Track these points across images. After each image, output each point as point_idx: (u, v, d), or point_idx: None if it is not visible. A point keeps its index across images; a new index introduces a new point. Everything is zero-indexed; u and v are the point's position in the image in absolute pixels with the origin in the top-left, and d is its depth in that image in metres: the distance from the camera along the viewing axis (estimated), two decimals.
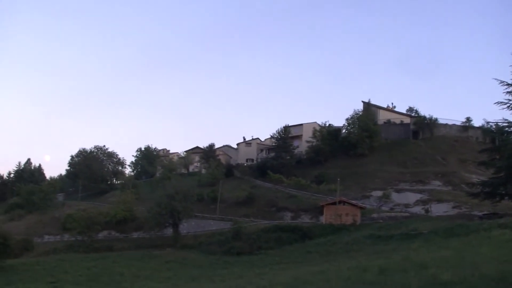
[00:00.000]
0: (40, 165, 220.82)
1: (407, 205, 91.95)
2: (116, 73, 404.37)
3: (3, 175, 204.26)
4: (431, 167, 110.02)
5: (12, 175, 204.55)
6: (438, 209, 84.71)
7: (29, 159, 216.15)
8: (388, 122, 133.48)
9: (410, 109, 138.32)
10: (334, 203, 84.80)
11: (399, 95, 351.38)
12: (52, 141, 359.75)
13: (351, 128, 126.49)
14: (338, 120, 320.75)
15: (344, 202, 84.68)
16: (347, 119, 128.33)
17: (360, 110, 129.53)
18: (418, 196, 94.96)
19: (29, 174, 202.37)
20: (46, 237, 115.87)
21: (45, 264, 74.22)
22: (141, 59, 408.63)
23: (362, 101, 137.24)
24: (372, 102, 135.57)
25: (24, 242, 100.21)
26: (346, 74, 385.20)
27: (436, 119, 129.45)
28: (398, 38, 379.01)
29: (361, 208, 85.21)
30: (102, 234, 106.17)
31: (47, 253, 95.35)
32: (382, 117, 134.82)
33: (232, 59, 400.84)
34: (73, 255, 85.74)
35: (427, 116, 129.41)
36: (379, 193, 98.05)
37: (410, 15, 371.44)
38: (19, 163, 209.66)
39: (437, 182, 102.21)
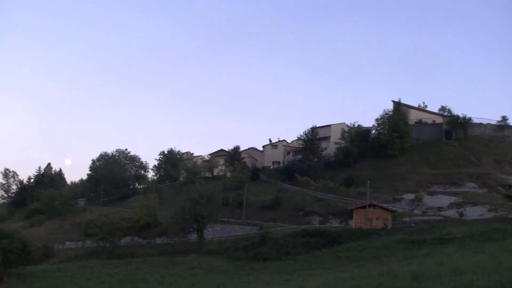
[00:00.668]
0: (60, 169, 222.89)
1: (440, 208, 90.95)
2: (138, 75, 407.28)
3: (23, 180, 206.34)
4: (465, 168, 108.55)
5: (32, 180, 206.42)
6: (473, 213, 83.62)
7: (49, 164, 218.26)
8: (420, 122, 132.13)
9: (443, 108, 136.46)
10: (364, 207, 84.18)
11: (431, 94, 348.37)
12: (73, 145, 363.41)
13: (381, 128, 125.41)
14: (368, 120, 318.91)
15: (374, 206, 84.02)
16: (376, 119, 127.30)
17: (390, 109, 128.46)
18: (451, 199, 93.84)
19: (49, 179, 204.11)
20: (67, 243, 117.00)
21: (67, 271, 74.78)
22: (165, 62, 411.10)
23: (392, 101, 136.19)
24: (403, 101, 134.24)
25: (45, 248, 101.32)
26: (375, 73, 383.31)
27: (470, 119, 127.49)
28: (428, 35, 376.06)
29: (392, 211, 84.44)
30: (124, 240, 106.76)
31: (69, 259, 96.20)
32: (413, 117, 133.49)
33: (258, 60, 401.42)
34: (95, 261, 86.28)
35: (461, 116, 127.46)
36: (410, 196, 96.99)
37: (446, 13, 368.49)
38: (39, 167, 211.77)
39: (472, 184, 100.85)
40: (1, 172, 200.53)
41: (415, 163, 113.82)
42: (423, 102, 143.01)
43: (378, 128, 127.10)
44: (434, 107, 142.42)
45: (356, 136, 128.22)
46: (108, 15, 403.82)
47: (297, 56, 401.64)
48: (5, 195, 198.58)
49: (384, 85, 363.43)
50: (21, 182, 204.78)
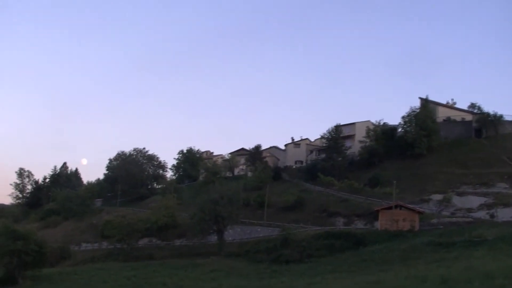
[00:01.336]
0: (76, 169, 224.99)
1: (470, 210, 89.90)
2: (156, 72, 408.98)
3: (38, 180, 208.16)
4: (496, 168, 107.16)
5: (47, 180, 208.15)
6: (505, 214, 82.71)
7: (65, 163, 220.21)
8: (448, 120, 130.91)
9: (472, 105, 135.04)
10: (390, 208, 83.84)
11: (460, 90, 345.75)
12: (89, 144, 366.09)
13: (408, 126, 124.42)
14: (394, 118, 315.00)
15: (400, 207, 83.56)
16: (403, 117, 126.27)
17: (417, 107, 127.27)
18: (482, 200, 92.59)
19: (65, 179, 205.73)
20: (84, 245, 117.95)
21: (83, 273, 75.42)
22: (184, 58, 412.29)
23: (420, 98, 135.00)
24: (430, 98, 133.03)
25: (61, 250, 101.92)
26: (402, 68, 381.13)
27: (501, 116, 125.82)
28: (455, 30, 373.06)
29: (419, 213, 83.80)
30: (142, 242, 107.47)
31: (85, 261, 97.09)
32: (442, 114, 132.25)
33: (280, 57, 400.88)
34: (112, 263, 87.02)
35: (491, 113, 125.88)
36: (439, 196, 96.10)
37: (478, 9, 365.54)
38: (55, 167, 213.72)
39: (503, 185, 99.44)
40: (16, 172, 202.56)
41: (444, 162, 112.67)
42: (452, 99, 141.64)
43: (405, 126, 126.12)
44: (463, 104, 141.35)
45: (382, 134, 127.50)
46: (127, 10, 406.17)
47: (322, 51, 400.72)
48: (20, 196, 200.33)
49: (411, 82, 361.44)
50: (36, 182, 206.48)
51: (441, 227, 78.57)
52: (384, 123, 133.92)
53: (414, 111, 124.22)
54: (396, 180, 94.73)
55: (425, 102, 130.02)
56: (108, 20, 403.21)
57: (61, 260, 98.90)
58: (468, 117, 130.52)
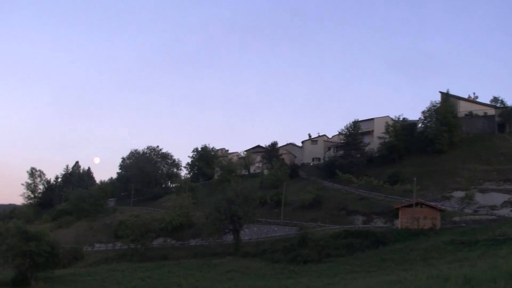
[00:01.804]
0: (89, 168, 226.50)
1: (493, 207, 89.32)
2: (169, 70, 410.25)
3: (50, 179, 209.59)
4: None
5: (59, 179, 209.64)
6: None
7: (77, 162, 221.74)
8: (470, 115, 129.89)
9: (495, 99, 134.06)
10: (410, 206, 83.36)
11: (482, 84, 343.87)
12: (102, 142, 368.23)
13: (428, 121, 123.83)
14: (413, 113, 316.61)
15: (421, 204, 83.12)
16: (423, 112, 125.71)
17: (437, 101, 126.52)
18: (506, 197, 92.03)
19: (77, 178, 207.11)
20: (97, 245, 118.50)
21: (96, 274, 75.94)
22: (197, 55, 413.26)
23: (440, 92, 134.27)
24: (451, 92, 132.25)
25: (74, 251, 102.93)
26: (421, 62, 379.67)
27: None
28: (477, 23, 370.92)
29: (441, 210, 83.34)
30: (156, 242, 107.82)
31: (98, 262, 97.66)
32: (463, 109, 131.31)
33: (296, 50, 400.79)
34: (126, 264, 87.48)
35: None
36: (461, 193, 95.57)
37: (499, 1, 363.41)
38: (67, 166, 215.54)
39: None
40: (27, 172, 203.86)
41: (465, 158, 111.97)
42: (474, 93, 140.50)
43: (425, 121, 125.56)
44: (485, 98, 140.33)
45: (401, 130, 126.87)
46: (140, 7, 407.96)
47: (338, 45, 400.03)
48: (32, 196, 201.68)
49: (431, 76, 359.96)
50: (48, 181, 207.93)
51: (464, 225, 78.08)
52: (404, 118, 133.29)
53: (434, 106, 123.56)
54: (416, 177, 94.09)
55: (446, 96, 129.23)
56: (120, 17, 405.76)
57: (74, 261, 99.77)
58: (491, 112, 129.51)
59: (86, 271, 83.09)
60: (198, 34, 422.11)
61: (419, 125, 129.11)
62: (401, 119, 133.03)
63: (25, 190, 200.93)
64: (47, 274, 74.89)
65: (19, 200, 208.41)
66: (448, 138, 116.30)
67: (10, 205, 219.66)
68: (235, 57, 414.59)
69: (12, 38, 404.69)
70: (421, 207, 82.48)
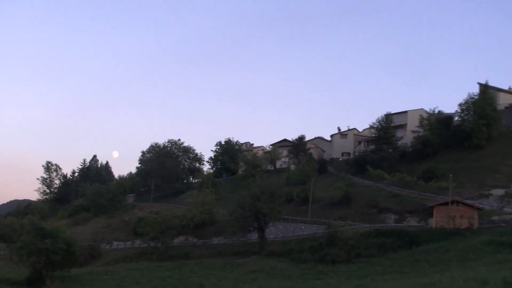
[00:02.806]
0: (107, 162, 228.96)
1: None
2: (192, 61, 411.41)
3: (66, 174, 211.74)
4: None
5: (76, 174, 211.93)
6: None
7: (95, 156, 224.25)
8: (510, 107, 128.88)
9: None
10: (446, 204, 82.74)
11: None
12: (121, 135, 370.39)
13: (465, 114, 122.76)
14: (450, 106, 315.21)
15: (458, 202, 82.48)
16: (460, 105, 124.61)
17: (475, 93, 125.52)
18: None
19: (95, 173, 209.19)
20: (115, 243, 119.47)
21: (114, 273, 76.68)
22: (221, 47, 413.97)
23: (478, 83, 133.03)
24: (491, 83, 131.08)
25: (91, 249, 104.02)
26: (458, 51, 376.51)
27: None
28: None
29: (478, 209, 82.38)
30: (177, 240, 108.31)
31: (116, 261, 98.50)
32: (503, 101, 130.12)
33: (324, 43, 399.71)
34: (146, 263, 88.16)
35: None
36: (500, 191, 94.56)
37: None
38: (84, 160, 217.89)
39: None
40: (43, 166, 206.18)
41: (505, 153, 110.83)
42: None
43: (462, 115, 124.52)
44: None
45: (437, 123, 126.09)
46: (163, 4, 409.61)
47: (372, 33, 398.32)
48: (48, 191, 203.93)
49: (469, 66, 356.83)
50: (64, 176, 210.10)
51: (503, 225, 77.30)
52: (439, 111, 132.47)
53: (472, 98, 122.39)
54: (452, 173, 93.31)
55: (484, 88, 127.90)
56: (143, 7, 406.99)
57: (91, 260, 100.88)
58: None
59: (103, 270, 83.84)
60: (220, 25, 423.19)
61: (456, 118, 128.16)
62: (436, 112, 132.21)
63: (40, 185, 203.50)
64: (63, 273, 75.67)
65: (34, 196, 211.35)
66: (486, 132, 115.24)
67: (25, 200, 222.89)
68: (262, 49, 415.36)
69: (32, 29, 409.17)
70: (457, 205, 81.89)
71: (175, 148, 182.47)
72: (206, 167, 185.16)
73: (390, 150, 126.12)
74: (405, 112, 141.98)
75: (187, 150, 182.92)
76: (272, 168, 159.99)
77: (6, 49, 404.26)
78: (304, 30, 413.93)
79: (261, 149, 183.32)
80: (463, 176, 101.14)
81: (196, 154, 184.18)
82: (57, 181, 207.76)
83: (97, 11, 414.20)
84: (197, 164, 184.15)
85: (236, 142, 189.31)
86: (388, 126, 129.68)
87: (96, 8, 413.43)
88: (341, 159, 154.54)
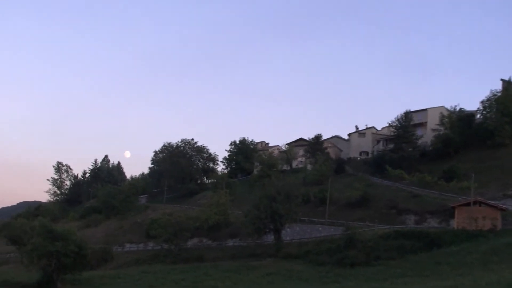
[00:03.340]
0: (119, 162, 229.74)
1: None
2: (206, 60, 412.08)
3: (77, 174, 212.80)
4: None
5: (87, 175, 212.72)
6: None
7: (106, 156, 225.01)
8: None
9: None
10: (468, 204, 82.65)
11: None
12: (133, 135, 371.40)
13: (488, 112, 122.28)
14: (471, 103, 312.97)
15: (480, 203, 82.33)
16: (482, 102, 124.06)
17: (498, 90, 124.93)
18: None
19: (106, 173, 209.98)
20: (128, 245, 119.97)
21: (127, 277, 77.00)
22: (234, 46, 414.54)
23: (501, 79, 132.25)
24: None
25: (103, 251, 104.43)
26: (480, 46, 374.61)
27: None
28: None
29: (502, 210, 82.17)
30: (191, 242, 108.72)
31: (129, 264, 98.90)
32: None
33: (346, 35, 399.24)
34: (159, 266, 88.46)
35: None
36: None
37: None
38: (95, 160, 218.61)
39: None
40: (53, 166, 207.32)
41: None
42: None
43: (484, 112, 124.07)
44: None
45: (458, 121, 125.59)
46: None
47: (392, 29, 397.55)
48: (58, 192, 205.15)
49: (491, 61, 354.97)
50: (75, 177, 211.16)
51: None
52: (461, 108, 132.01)
53: (495, 95, 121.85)
54: (474, 173, 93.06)
55: (507, 84, 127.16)
56: (159, 6, 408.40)
57: (103, 263, 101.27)
58: None
59: (116, 273, 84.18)
60: (235, 22, 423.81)
61: (478, 116, 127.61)
62: (457, 109, 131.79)
63: (51, 186, 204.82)
64: (75, 276, 76.03)
65: (44, 197, 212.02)
66: (510, 130, 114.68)
67: (35, 202, 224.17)
68: (278, 46, 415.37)
69: (47, 27, 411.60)
70: (479, 206, 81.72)
71: (189, 148, 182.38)
72: (220, 167, 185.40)
73: (410, 149, 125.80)
74: (425, 109, 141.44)
75: (201, 150, 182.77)
76: (288, 168, 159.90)
77: (8, 45, 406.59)
78: (320, 26, 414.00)
79: (277, 149, 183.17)
80: (485, 175, 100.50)
81: (210, 154, 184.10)
82: (67, 182, 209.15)
83: (117, 6, 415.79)
84: (211, 164, 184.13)
85: (251, 141, 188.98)
86: (407, 124, 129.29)
87: (116, 4, 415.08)
88: (359, 158, 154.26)
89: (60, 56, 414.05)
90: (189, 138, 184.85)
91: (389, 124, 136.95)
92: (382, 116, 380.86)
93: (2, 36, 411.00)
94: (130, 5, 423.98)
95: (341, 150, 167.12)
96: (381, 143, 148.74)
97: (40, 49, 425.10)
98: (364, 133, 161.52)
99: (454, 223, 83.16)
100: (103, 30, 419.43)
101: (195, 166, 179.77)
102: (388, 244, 76.66)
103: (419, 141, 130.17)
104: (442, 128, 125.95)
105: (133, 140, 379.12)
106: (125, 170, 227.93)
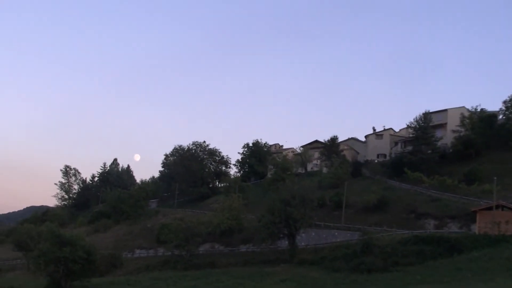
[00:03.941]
0: (128, 166, 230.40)
1: None
2: (219, 62, 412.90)
3: (85, 178, 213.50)
4: None
5: (96, 179, 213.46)
6: None
7: (115, 159, 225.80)
8: None
9: None
10: (490, 208, 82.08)
11: None
12: (143, 138, 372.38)
13: (510, 112, 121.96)
14: (493, 103, 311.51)
15: (503, 207, 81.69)
16: (504, 102, 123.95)
17: None
18: None
19: (116, 177, 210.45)
20: (137, 251, 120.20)
21: (137, 283, 77.06)
22: (246, 48, 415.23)
23: None
24: None
25: (112, 257, 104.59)
26: (501, 43, 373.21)
27: None
28: None
29: None
30: (203, 248, 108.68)
31: (139, 270, 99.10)
32: None
33: (363, 35, 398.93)
34: (170, 272, 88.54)
35: None
36: None
37: None
38: (104, 164, 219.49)
39: None
40: (61, 170, 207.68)
41: None
42: None
43: (507, 112, 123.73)
44: None
45: (479, 122, 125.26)
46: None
47: (410, 27, 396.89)
48: (66, 196, 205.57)
49: None
50: (83, 181, 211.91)
51: None
52: (482, 109, 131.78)
53: None
54: (497, 175, 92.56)
55: None
56: (169, 7, 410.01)
57: (112, 269, 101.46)
58: None
59: (125, 279, 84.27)
60: (247, 23, 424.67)
61: (500, 116, 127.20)
62: (478, 110, 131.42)
63: (58, 191, 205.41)
64: (83, 283, 76.14)
65: (52, 202, 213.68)
66: None
67: (42, 206, 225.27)
68: (292, 47, 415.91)
69: (57, 30, 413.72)
70: (502, 210, 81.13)
71: (200, 151, 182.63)
72: (233, 171, 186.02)
73: (429, 151, 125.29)
74: (445, 110, 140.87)
75: (213, 153, 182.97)
76: (303, 171, 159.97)
77: (16, 47, 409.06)
78: (335, 26, 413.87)
79: (291, 151, 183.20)
80: (508, 178, 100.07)
81: (222, 157, 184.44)
82: (76, 186, 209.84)
83: (129, 6, 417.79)
84: (224, 168, 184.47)
85: (265, 144, 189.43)
86: (426, 125, 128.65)
87: (128, 3, 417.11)
88: (376, 161, 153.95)
89: (70, 58, 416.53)
90: (201, 140, 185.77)
91: (408, 125, 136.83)
92: (400, 117, 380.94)
93: (11, 39, 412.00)
94: (149, 4, 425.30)
95: (357, 153, 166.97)
96: (399, 145, 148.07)
97: (50, 52, 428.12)
98: (382, 134, 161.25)
99: (476, 228, 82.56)
100: (114, 32, 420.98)
101: (207, 170, 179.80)
102: (406, 249, 76.09)
103: (439, 143, 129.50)
104: (462, 129, 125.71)
105: (143, 143, 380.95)
106: (134, 174, 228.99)
